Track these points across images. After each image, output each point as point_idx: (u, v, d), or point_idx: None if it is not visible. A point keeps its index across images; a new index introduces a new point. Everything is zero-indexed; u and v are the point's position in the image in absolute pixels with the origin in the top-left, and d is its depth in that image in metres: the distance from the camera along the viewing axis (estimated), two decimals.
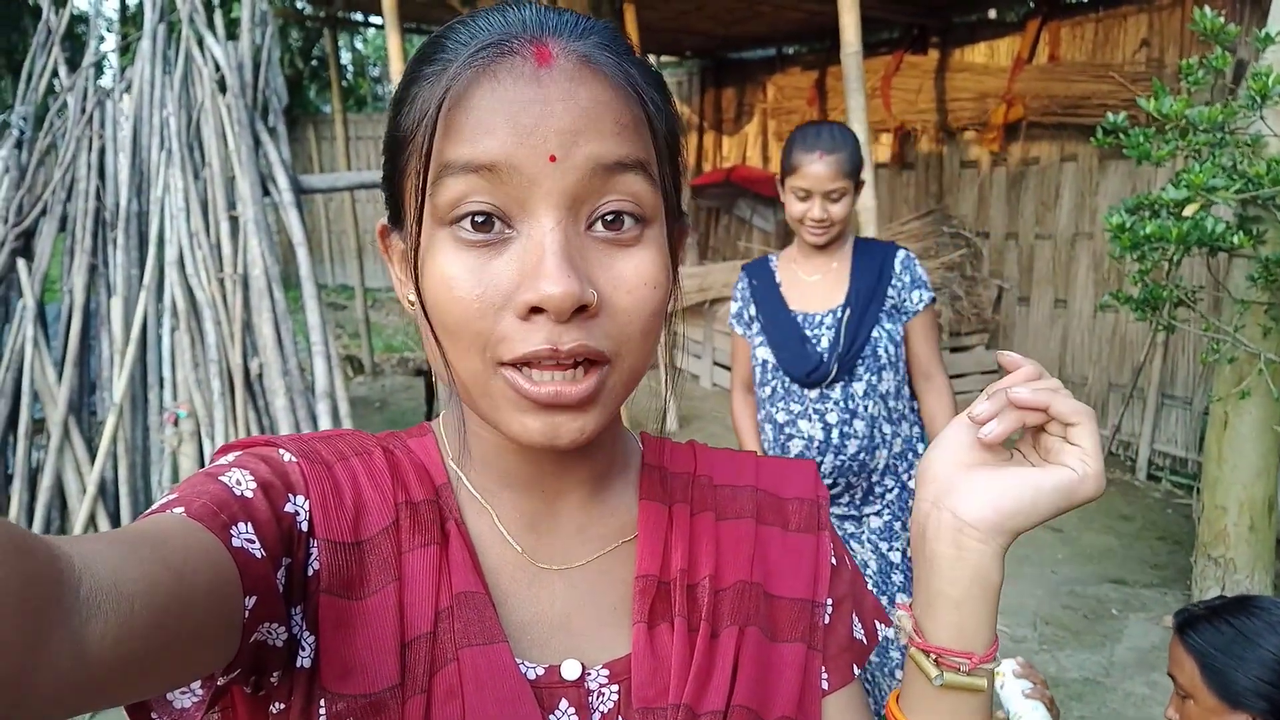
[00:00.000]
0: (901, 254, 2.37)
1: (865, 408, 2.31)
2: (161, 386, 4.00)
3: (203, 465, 3.90)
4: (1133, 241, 3.03)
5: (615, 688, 0.65)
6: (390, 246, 0.66)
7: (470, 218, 0.56)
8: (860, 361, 2.30)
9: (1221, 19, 2.92)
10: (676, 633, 0.66)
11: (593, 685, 0.65)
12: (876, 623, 0.78)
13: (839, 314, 2.30)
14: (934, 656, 0.64)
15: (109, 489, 3.87)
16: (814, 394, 2.32)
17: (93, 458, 3.89)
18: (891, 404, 2.37)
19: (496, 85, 0.55)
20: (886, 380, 2.34)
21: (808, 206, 2.25)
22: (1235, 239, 2.92)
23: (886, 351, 2.32)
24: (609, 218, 0.57)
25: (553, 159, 0.54)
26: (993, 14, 7.17)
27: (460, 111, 0.55)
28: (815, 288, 2.36)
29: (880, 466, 2.36)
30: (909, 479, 2.38)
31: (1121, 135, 3.06)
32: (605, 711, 0.65)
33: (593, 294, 0.55)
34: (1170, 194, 2.90)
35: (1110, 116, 3.09)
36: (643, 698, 0.64)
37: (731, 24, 7.54)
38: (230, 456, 0.63)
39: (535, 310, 0.54)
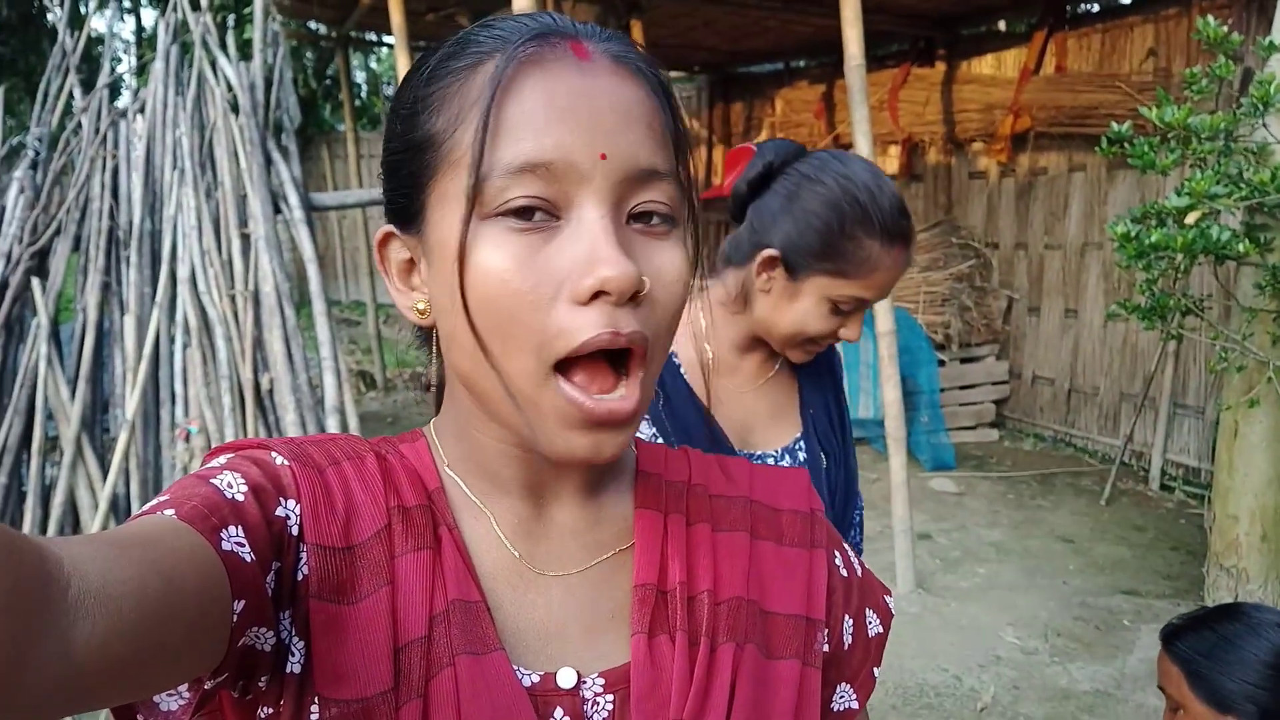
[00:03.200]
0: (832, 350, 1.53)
1: None
2: (173, 403, 4.04)
3: None
4: (1138, 250, 3.03)
5: (610, 697, 0.64)
6: (388, 257, 0.65)
7: (518, 209, 0.56)
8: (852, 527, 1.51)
9: (1225, 28, 2.92)
10: (678, 647, 0.66)
11: (588, 694, 0.64)
12: (885, 598, 0.79)
13: (796, 449, 1.41)
14: None
15: (121, 505, 3.90)
16: None
17: (105, 474, 3.92)
18: None
19: (546, 74, 0.56)
20: None
21: (839, 322, 1.32)
22: (1241, 247, 2.91)
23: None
24: (643, 213, 0.59)
25: (603, 157, 0.56)
26: (1000, 25, 7.18)
27: (512, 101, 0.56)
28: (755, 406, 1.42)
29: None
30: None
31: (1126, 145, 3.06)
32: None
33: (646, 280, 0.57)
34: (1173, 202, 2.90)
35: (1115, 126, 3.09)
36: (643, 711, 0.64)
37: (738, 39, 7.57)
38: (222, 458, 0.62)
39: (594, 296, 0.55)
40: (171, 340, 4.10)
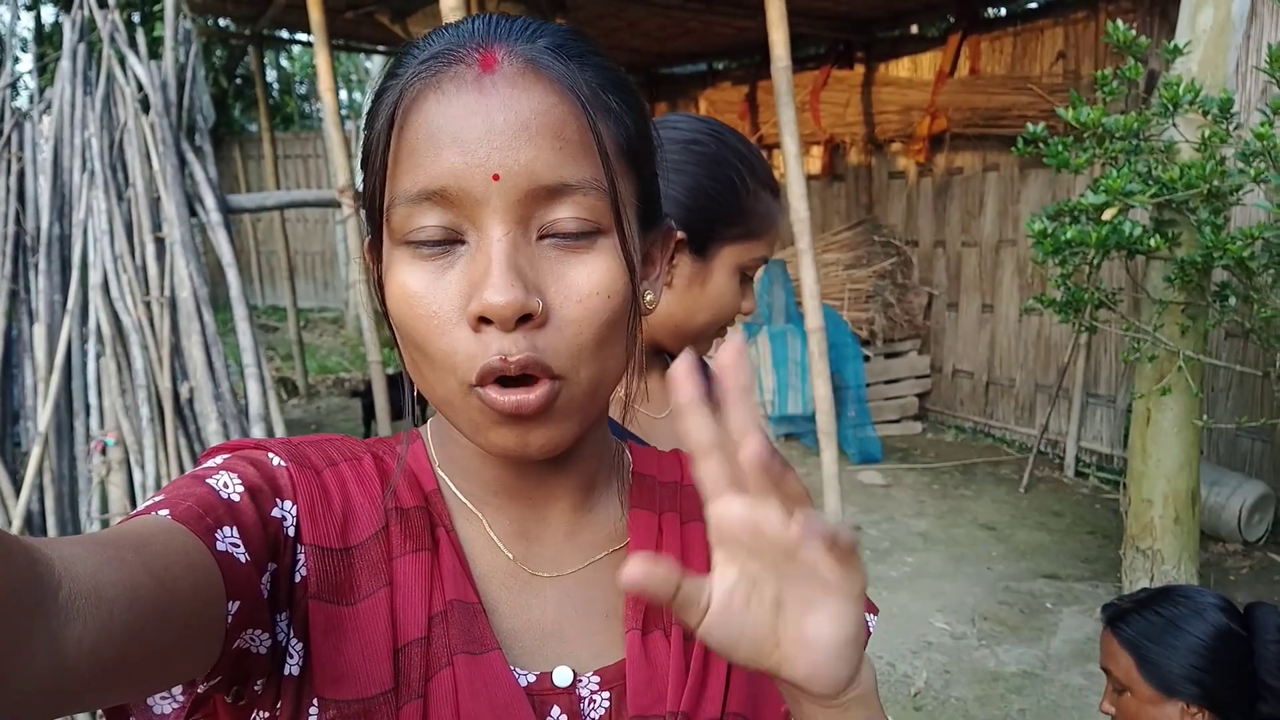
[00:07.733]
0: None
1: None
2: (88, 414, 3.88)
3: (132, 494, 3.79)
4: (1054, 246, 3.14)
5: (606, 694, 0.65)
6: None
7: (423, 236, 0.57)
8: None
9: (1133, 32, 3.04)
10: (673, 640, 0.67)
11: (584, 692, 0.65)
12: (867, 615, 0.78)
13: None
14: None
15: (35, 521, 3.73)
16: None
17: (18, 490, 3.75)
18: None
19: (441, 97, 0.55)
20: None
21: (744, 294, 1.22)
22: (1152, 242, 3.04)
23: None
24: (561, 225, 0.57)
25: (496, 178, 0.55)
26: (915, 29, 7.35)
27: (409, 129, 0.56)
28: (671, 431, 1.16)
29: None
30: None
31: (1041, 145, 3.17)
32: (597, 718, 0.65)
33: (537, 302, 0.55)
34: (1089, 199, 3.01)
35: (1030, 127, 3.19)
36: (638, 705, 0.64)
37: (664, 40, 7.61)
38: (219, 459, 0.62)
39: (484, 320, 0.55)
40: (84, 349, 3.95)
